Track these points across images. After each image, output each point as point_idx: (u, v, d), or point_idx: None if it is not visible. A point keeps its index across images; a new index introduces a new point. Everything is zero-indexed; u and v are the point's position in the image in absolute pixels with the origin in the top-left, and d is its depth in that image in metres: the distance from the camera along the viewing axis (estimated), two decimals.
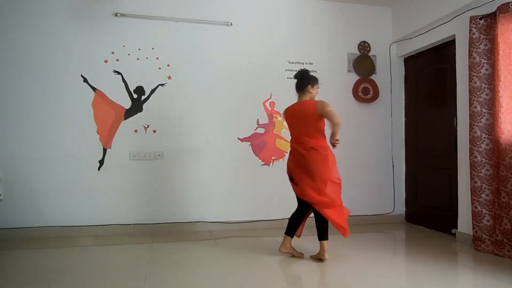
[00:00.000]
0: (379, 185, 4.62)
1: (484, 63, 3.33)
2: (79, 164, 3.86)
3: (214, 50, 4.20)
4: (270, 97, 4.35)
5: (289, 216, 3.19)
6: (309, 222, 3.21)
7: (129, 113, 4.01)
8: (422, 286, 2.57)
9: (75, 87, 3.88)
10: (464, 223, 3.60)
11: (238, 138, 4.25)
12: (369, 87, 4.61)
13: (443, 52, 4.09)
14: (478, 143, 3.34)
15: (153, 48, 4.05)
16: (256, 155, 4.29)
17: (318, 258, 2.99)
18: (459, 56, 3.69)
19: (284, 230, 3.13)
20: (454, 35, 3.76)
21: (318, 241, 3.01)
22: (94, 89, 3.93)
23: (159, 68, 4.07)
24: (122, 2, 3.99)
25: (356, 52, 4.62)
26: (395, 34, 4.67)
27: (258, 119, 4.30)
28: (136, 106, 4.02)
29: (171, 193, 4.06)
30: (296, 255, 3.09)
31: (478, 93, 3.35)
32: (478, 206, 3.33)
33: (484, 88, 3.32)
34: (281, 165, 4.31)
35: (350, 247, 3.46)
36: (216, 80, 4.19)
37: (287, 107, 3.26)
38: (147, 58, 4.04)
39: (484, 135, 3.32)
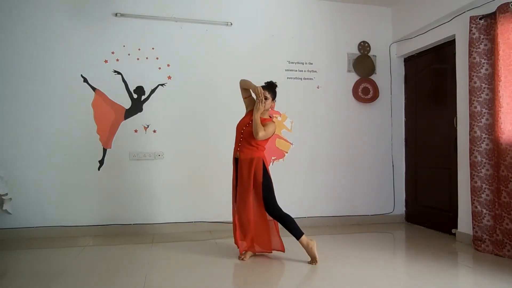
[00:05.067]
0: (379, 185, 4.62)
1: (484, 63, 3.33)
2: (79, 164, 3.86)
3: (214, 50, 4.20)
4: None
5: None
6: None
7: (129, 113, 4.01)
8: (422, 286, 2.56)
9: (75, 87, 3.88)
10: (464, 223, 3.60)
11: None
12: (369, 87, 4.61)
13: (443, 52, 4.09)
14: (478, 143, 3.34)
15: (153, 48, 4.05)
16: None
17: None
18: (459, 56, 3.69)
19: (301, 233, 3.00)
20: (454, 35, 3.76)
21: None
22: (94, 89, 3.93)
23: (159, 68, 4.07)
24: (122, 2, 3.99)
25: (356, 52, 4.62)
26: (395, 34, 4.67)
27: None
28: (136, 106, 4.02)
29: (171, 193, 4.06)
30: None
31: (478, 93, 3.35)
32: (478, 206, 3.33)
33: (484, 88, 3.32)
34: (281, 165, 4.32)
35: (350, 247, 3.46)
36: (216, 80, 4.19)
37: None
38: (147, 58, 4.04)
39: (484, 135, 3.32)
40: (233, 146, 3.17)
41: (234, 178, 3.15)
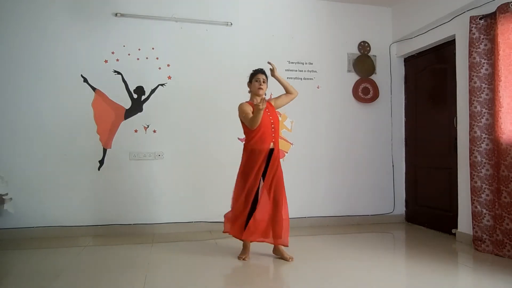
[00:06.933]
0: (379, 185, 4.62)
1: (484, 63, 3.33)
2: (79, 164, 3.86)
3: (214, 50, 4.20)
4: (270, 97, 4.33)
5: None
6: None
7: (129, 113, 4.01)
8: (422, 286, 2.56)
9: (75, 87, 3.88)
10: (464, 223, 3.60)
11: (238, 138, 4.24)
12: (369, 87, 4.61)
13: (443, 52, 4.09)
14: (478, 143, 3.34)
15: (153, 48, 4.05)
16: None
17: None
18: (459, 56, 3.69)
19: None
20: (454, 35, 3.76)
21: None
22: (94, 89, 3.93)
23: (159, 68, 4.07)
24: (122, 2, 3.99)
25: (356, 52, 4.62)
26: (395, 34, 4.67)
27: None
28: (136, 106, 4.02)
29: (171, 193, 4.06)
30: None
31: (478, 93, 3.35)
32: (478, 206, 3.33)
33: (484, 88, 3.32)
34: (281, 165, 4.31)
35: (350, 247, 3.46)
36: (216, 80, 4.19)
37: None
38: (147, 58, 4.04)
39: (484, 135, 3.32)
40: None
41: (259, 170, 3.02)
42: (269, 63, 3.20)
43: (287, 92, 3.26)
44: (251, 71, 3.23)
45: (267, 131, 3.06)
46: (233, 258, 3.09)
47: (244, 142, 3.18)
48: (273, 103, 3.25)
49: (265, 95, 3.22)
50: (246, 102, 3.16)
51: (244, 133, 3.17)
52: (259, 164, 3.02)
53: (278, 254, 3.09)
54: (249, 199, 3.02)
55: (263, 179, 3.05)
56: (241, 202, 3.04)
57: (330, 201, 4.46)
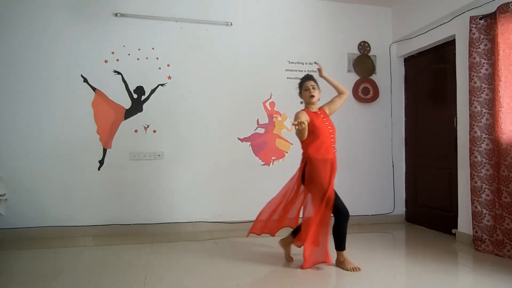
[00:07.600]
0: (379, 185, 4.62)
1: (484, 63, 3.33)
2: (79, 164, 3.86)
3: (214, 50, 4.20)
4: (270, 97, 4.35)
5: None
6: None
7: (129, 113, 4.01)
8: (422, 286, 2.56)
9: (75, 87, 3.88)
10: (464, 223, 3.60)
11: (238, 138, 4.25)
12: (369, 87, 4.61)
13: (443, 52, 4.09)
14: (478, 143, 3.34)
15: (153, 48, 4.05)
16: (256, 155, 4.29)
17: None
18: (459, 56, 3.69)
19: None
20: (454, 35, 3.76)
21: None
22: (94, 89, 3.93)
23: (159, 68, 4.07)
24: (122, 2, 3.99)
25: (356, 52, 4.62)
26: (395, 34, 4.67)
27: (258, 119, 4.30)
28: (136, 106, 4.02)
29: (171, 193, 4.06)
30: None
31: (478, 93, 3.35)
32: (478, 206, 3.33)
33: (484, 88, 3.32)
34: (281, 165, 4.31)
35: (350, 247, 3.44)
36: (216, 80, 4.19)
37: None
38: (147, 58, 4.04)
39: (484, 135, 3.32)
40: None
41: (330, 178, 2.91)
42: (315, 63, 3.12)
43: (339, 92, 3.11)
44: (299, 80, 3.11)
45: (326, 140, 2.91)
46: (233, 258, 3.09)
47: (302, 150, 3.02)
48: (327, 110, 3.08)
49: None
50: (303, 110, 3.01)
51: (301, 140, 3.01)
52: (329, 173, 2.89)
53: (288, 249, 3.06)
54: (331, 207, 2.89)
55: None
56: (322, 213, 2.91)
57: None
